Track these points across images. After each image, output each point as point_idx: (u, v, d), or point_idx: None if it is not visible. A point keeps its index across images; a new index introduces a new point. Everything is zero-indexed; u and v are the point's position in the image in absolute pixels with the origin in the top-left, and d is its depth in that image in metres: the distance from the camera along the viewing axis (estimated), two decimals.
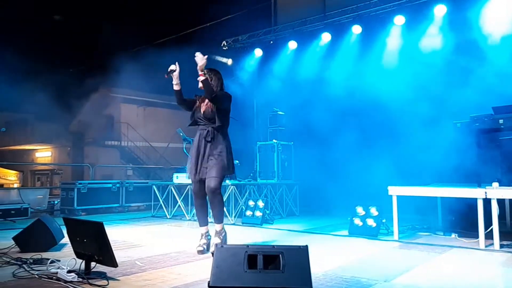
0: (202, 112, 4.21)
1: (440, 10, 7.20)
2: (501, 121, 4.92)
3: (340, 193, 7.27)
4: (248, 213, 6.75)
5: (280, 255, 2.46)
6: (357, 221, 5.48)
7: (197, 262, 3.77)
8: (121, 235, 5.47)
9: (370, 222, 5.39)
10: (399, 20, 7.68)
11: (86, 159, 19.04)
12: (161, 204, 7.77)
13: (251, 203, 6.85)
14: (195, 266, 3.64)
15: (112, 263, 3.02)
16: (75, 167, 19.38)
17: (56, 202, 8.87)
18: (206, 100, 4.21)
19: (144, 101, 19.10)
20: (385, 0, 7.73)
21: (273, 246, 2.55)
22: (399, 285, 3.02)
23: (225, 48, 10.34)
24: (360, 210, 5.52)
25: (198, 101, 4.31)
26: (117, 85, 17.46)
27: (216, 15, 11.84)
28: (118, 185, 9.15)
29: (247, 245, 2.51)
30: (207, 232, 4.31)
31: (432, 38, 7.25)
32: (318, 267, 3.44)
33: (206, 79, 4.05)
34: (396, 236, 5.07)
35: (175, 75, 4.10)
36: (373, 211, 5.42)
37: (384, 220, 5.45)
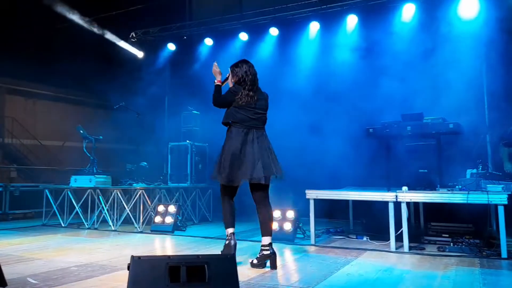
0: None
1: (352, 20, 7.52)
2: (408, 128, 5.17)
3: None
4: (158, 219, 6.24)
5: (206, 266, 2.20)
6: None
7: (102, 277, 3.33)
8: (6, 248, 4.71)
9: (287, 226, 5.29)
10: (314, 26, 7.88)
11: None
12: (54, 211, 6.82)
13: (160, 208, 6.35)
14: (101, 281, 3.18)
15: (0, 281, 2.43)
16: None
17: None
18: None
19: (34, 93, 16.88)
20: (300, 5, 7.84)
21: (198, 256, 2.24)
22: None
23: (133, 40, 9.61)
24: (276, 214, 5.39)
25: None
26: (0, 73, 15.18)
27: (124, 3, 10.96)
28: (0, 188, 7.89)
29: (168, 256, 2.18)
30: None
31: (345, 45, 7.51)
32: (240, 276, 3.19)
33: None
34: (313, 240, 5.06)
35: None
36: (289, 215, 5.34)
37: (301, 225, 5.41)
